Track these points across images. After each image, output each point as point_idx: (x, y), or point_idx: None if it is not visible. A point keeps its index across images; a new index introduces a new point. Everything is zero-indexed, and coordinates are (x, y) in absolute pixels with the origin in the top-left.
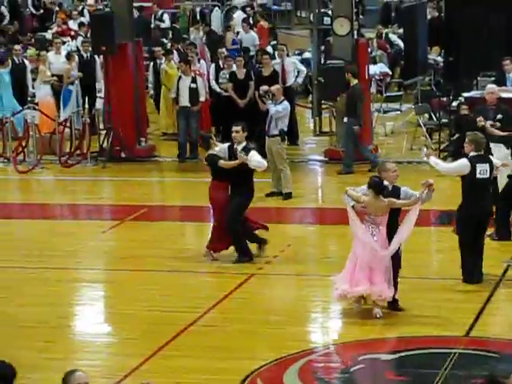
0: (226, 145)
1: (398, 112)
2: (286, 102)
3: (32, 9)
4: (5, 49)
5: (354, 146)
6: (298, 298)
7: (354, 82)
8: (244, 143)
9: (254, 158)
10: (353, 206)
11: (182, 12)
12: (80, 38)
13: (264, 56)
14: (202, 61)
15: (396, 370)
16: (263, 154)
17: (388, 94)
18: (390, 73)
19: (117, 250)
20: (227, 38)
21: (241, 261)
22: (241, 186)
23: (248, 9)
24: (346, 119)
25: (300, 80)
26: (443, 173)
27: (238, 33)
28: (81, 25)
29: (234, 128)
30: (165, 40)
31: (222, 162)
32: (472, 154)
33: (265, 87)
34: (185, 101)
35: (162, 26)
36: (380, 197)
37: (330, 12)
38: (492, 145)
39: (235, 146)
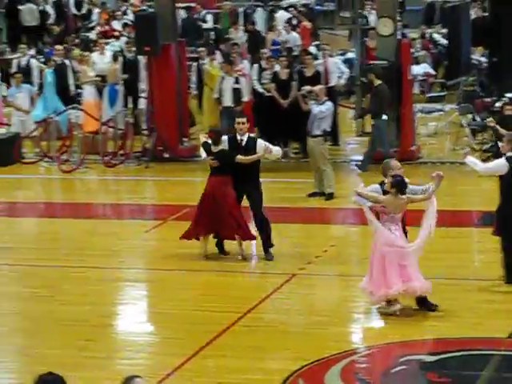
0: (226, 137)
1: (441, 112)
2: (329, 103)
3: (74, 9)
4: (50, 49)
5: (379, 146)
6: (340, 298)
7: (378, 82)
8: (247, 134)
9: (272, 147)
10: (369, 207)
11: (225, 12)
12: (124, 39)
13: (306, 56)
14: (245, 61)
15: (438, 371)
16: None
17: (431, 95)
18: (434, 73)
19: (159, 249)
20: (268, 39)
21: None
22: (254, 179)
23: (291, 9)
24: (372, 120)
25: (342, 81)
26: (481, 173)
27: (280, 33)
28: (125, 25)
29: (240, 120)
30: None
31: (240, 158)
32: (509, 153)
33: (308, 87)
34: (228, 101)
35: (205, 26)
36: (399, 195)
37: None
38: None
39: (240, 138)
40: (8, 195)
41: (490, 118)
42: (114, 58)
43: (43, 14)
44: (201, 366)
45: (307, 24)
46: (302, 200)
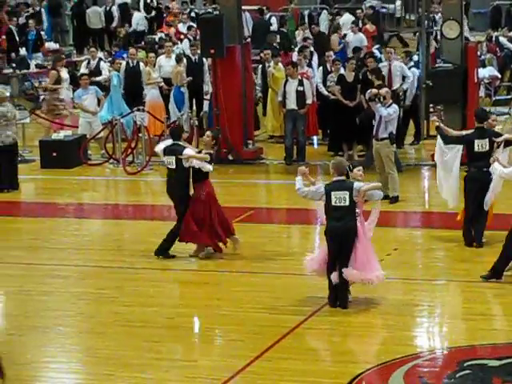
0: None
1: (507, 116)
2: (395, 105)
3: (143, 12)
4: (115, 51)
5: None
6: (404, 302)
7: (377, 83)
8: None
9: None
10: None
11: (290, 15)
12: (186, 41)
13: (370, 59)
14: (312, 62)
15: (502, 376)
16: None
17: (497, 98)
18: (500, 76)
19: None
20: (333, 41)
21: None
22: None
23: (358, 11)
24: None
25: (405, 86)
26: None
27: (344, 35)
28: (189, 28)
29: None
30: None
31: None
32: None
33: (374, 90)
34: (292, 104)
35: (270, 28)
36: None
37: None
38: None
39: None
40: (74, 197)
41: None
42: (178, 60)
43: (109, 17)
44: (264, 368)
45: (370, 27)
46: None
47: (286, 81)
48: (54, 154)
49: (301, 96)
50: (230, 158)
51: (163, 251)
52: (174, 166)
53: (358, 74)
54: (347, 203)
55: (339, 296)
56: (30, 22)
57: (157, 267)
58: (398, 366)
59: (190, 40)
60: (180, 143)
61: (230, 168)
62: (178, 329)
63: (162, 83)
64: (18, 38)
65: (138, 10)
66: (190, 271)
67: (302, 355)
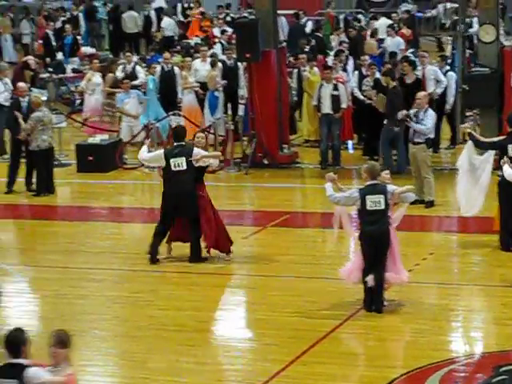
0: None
1: None
2: (430, 111)
3: (181, 16)
4: (151, 55)
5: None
6: (440, 306)
7: (393, 84)
8: None
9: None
10: None
11: (326, 19)
12: (218, 45)
13: (405, 63)
14: (347, 67)
15: None
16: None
17: None
18: None
19: (258, 255)
20: (370, 45)
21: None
22: None
23: (394, 15)
24: (385, 121)
25: (439, 90)
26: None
27: (380, 39)
28: (223, 32)
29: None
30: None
31: None
32: None
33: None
34: (327, 108)
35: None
36: None
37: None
38: None
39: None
40: (110, 201)
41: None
42: (212, 64)
43: (147, 22)
44: (299, 372)
45: (406, 31)
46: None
47: (321, 85)
48: (90, 158)
49: (336, 100)
50: (266, 162)
51: (197, 258)
52: (184, 167)
53: (394, 77)
54: (382, 207)
55: (375, 300)
56: (67, 26)
57: (192, 271)
58: (433, 370)
59: (222, 44)
60: (184, 144)
61: (266, 172)
62: (213, 333)
63: (198, 87)
64: (54, 43)
65: (175, 14)
66: (224, 275)
67: (337, 359)
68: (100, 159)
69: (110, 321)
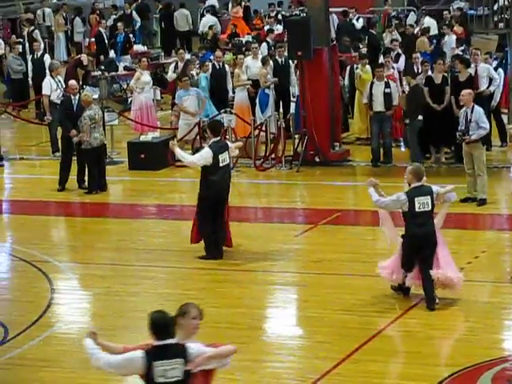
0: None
1: None
2: (477, 107)
3: (231, 13)
4: (203, 53)
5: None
6: (492, 304)
7: (413, 83)
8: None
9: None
10: None
11: (378, 16)
12: (264, 45)
13: (458, 61)
14: (395, 64)
15: None
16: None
17: None
18: None
19: (309, 253)
20: (422, 42)
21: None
22: None
23: (445, 13)
24: (407, 120)
25: (492, 88)
26: None
27: (431, 37)
28: (270, 31)
29: None
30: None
31: None
32: None
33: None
34: (378, 106)
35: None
36: None
37: None
38: None
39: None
40: (161, 198)
41: None
42: (263, 62)
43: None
44: (351, 370)
45: (458, 29)
46: (454, 205)
47: (372, 83)
48: (142, 156)
49: (387, 98)
50: (317, 159)
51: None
52: (228, 162)
53: (446, 75)
54: (429, 208)
55: (427, 297)
56: (119, 24)
57: (243, 269)
58: (485, 369)
59: (268, 43)
60: (220, 138)
61: (317, 170)
62: (265, 330)
63: (249, 85)
64: (106, 41)
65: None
66: (276, 273)
67: (388, 357)
68: (152, 157)
69: None
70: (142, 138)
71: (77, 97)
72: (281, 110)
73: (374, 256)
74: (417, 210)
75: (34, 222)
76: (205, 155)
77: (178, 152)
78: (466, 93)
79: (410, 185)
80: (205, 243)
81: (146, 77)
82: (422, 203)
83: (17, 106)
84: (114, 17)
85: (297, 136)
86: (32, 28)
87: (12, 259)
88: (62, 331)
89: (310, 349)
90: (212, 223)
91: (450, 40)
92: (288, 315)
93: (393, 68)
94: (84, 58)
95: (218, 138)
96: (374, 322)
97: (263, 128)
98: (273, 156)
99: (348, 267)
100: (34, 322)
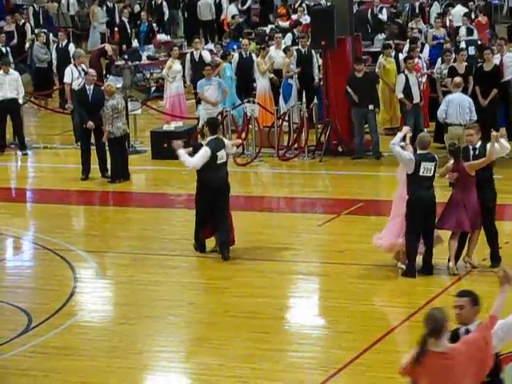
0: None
1: None
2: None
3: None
4: (226, 42)
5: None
6: None
7: None
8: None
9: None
10: None
11: (402, 8)
12: (289, 34)
13: (486, 51)
14: (421, 55)
15: None
16: None
17: None
18: None
19: (332, 243)
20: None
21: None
22: None
23: (470, 3)
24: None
25: None
26: None
27: (457, 27)
28: (298, 23)
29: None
30: (381, 35)
31: None
32: None
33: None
34: (415, 98)
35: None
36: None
37: None
38: None
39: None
40: (184, 187)
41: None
42: (286, 52)
43: (217, 9)
44: (373, 360)
45: (482, 19)
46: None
47: (406, 76)
48: (165, 145)
49: (419, 89)
50: (340, 149)
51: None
52: (225, 160)
53: (470, 65)
54: (431, 174)
55: (425, 263)
56: (142, 13)
57: (265, 258)
58: (509, 359)
59: (294, 34)
60: (218, 135)
61: (340, 160)
62: (287, 320)
63: (272, 74)
64: (129, 30)
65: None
66: (298, 262)
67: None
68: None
69: (184, 307)
70: (166, 127)
71: (92, 86)
72: (304, 99)
73: None
74: (420, 174)
75: (57, 211)
76: (203, 155)
77: (181, 154)
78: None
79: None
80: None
81: (177, 65)
82: (426, 168)
83: (41, 95)
84: (137, 6)
85: (320, 126)
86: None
87: (35, 248)
88: (85, 320)
89: (333, 339)
90: (211, 219)
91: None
92: (310, 305)
93: (419, 58)
94: (108, 47)
95: (216, 135)
96: (397, 312)
97: (286, 118)
98: (296, 146)
99: (370, 257)
100: (58, 311)
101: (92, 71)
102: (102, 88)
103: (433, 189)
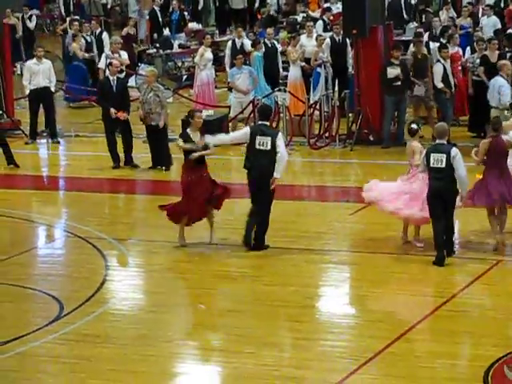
0: None
1: None
2: None
3: None
4: (258, 32)
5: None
6: None
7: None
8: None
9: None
10: None
11: None
12: (320, 22)
13: None
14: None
15: None
16: None
17: None
18: None
19: (363, 232)
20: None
21: None
22: None
23: None
24: None
25: None
26: None
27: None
28: (328, 9)
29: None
30: (413, 23)
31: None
32: None
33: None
34: (453, 85)
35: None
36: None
37: None
38: None
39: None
40: (215, 176)
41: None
42: (316, 40)
43: None
44: (404, 349)
45: None
46: None
47: (443, 66)
48: None
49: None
50: (371, 138)
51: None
52: (269, 148)
53: (502, 54)
54: (443, 165)
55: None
56: (174, 2)
57: (296, 247)
58: None
59: (324, 21)
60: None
61: (371, 149)
62: (318, 308)
63: (304, 63)
64: (160, 19)
65: None
66: (329, 251)
67: (442, 337)
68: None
69: (215, 296)
70: None
71: (115, 77)
72: (336, 88)
73: (424, 235)
74: (430, 165)
75: (89, 199)
76: (241, 131)
77: (213, 139)
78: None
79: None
80: None
81: (209, 54)
82: (436, 159)
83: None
84: None
85: (351, 115)
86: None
87: (67, 235)
88: (116, 307)
89: (363, 328)
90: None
91: (490, 21)
92: (341, 294)
93: (458, 46)
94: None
95: (263, 122)
96: (428, 302)
97: (317, 106)
98: (327, 135)
99: (401, 246)
100: (89, 299)
101: (116, 63)
102: (144, 74)
103: (447, 179)
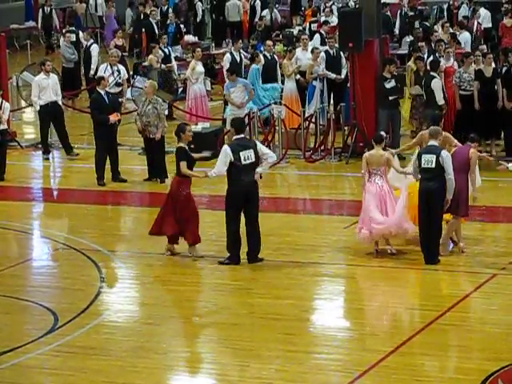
0: None
1: None
2: None
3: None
4: (254, 44)
5: None
6: None
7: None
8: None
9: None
10: None
11: (430, 10)
12: (317, 36)
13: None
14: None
15: None
16: None
17: None
18: None
19: (358, 245)
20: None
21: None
22: None
23: (507, 6)
24: None
25: None
26: None
27: (485, 29)
28: (325, 23)
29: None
30: (409, 37)
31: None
32: None
33: None
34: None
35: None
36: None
37: None
38: None
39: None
40: (210, 189)
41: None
42: (312, 53)
43: (251, 11)
44: (399, 363)
45: (508, 21)
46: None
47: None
48: (192, 146)
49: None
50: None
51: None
52: (253, 159)
53: (497, 68)
54: (432, 166)
55: (431, 253)
56: (170, 14)
57: (291, 260)
58: None
59: (321, 35)
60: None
61: (346, 161)
62: (312, 322)
63: (299, 76)
64: (156, 31)
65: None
66: (324, 264)
67: (436, 351)
68: (201, 147)
69: (210, 308)
70: (193, 129)
71: (104, 91)
72: (332, 101)
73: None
74: (422, 165)
75: (83, 211)
76: (223, 154)
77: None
78: None
79: None
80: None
81: (200, 67)
82: (426, 160)
83: (68, 95)
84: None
85: (346, 128)
86: None
87: (63, 247)
88: (111, 319)
89: (358, 341)
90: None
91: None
92: (336, 307)
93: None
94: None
95: (240, 135)
96: (423, 315)
97: (313, 119)
98: (322, 148)
99: (396, 260)
100: (84, 310)
101: (106, 77)
102: (145, 84)
103: (436, 180)
